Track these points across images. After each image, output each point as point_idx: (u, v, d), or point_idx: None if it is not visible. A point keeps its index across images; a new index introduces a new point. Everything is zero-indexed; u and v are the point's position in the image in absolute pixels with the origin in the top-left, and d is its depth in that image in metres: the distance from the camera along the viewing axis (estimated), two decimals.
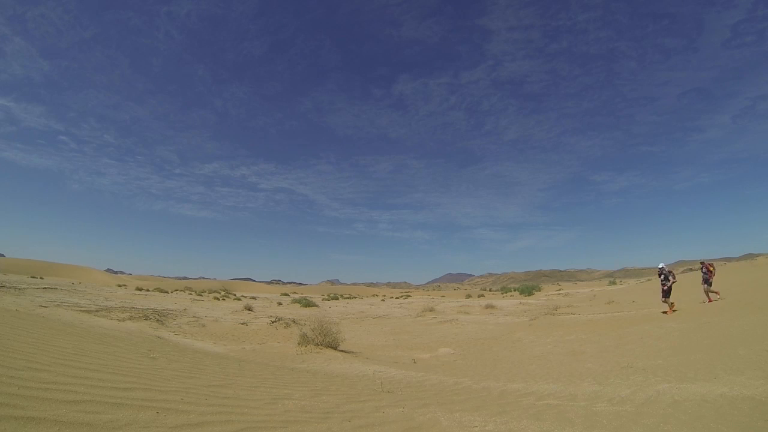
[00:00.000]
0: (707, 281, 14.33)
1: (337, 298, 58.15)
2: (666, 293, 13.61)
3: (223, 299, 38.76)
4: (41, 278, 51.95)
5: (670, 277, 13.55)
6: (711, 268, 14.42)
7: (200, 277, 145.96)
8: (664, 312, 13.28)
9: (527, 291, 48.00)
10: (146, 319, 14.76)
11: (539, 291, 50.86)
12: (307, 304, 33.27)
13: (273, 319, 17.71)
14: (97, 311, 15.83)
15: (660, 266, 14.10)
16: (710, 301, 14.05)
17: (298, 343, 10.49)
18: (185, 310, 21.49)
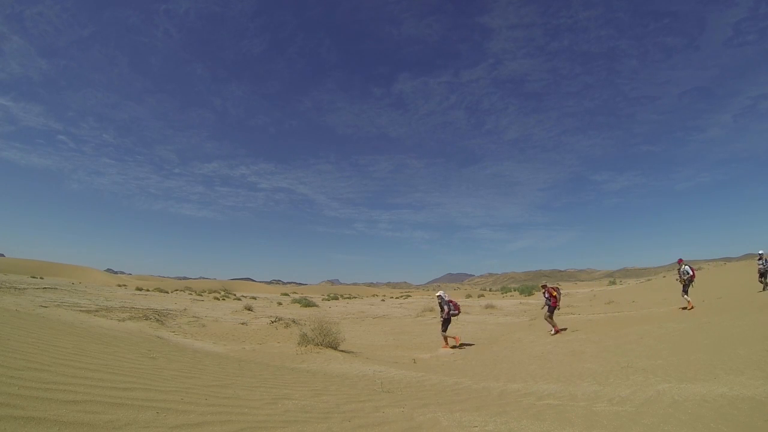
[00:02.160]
0: (550, 308, 11.94)
1: (337, 298, 58.14)
2: (444, 324, 11.62)
3: (223, 299, 38.76)
4: (41, 278, 51.96)
5: (445, 307, 11.49)
6: (554, 293, 11.96)
7: (200, 277, 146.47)
8: (444, 347, 11.47)
9: (527, 291, 47.90)
10: (146, 319, 14.77)
11: (539, 291, 50.74)
12: (307, 304, 33.27)
13: (273, 319, 17.71)
14: (97, 311, 15.84)
15: (438, 294, 12.02)
16: (554, 331, 11.92)
17: (298, 343, 10.47)
18: (185, 310, 21.50)
